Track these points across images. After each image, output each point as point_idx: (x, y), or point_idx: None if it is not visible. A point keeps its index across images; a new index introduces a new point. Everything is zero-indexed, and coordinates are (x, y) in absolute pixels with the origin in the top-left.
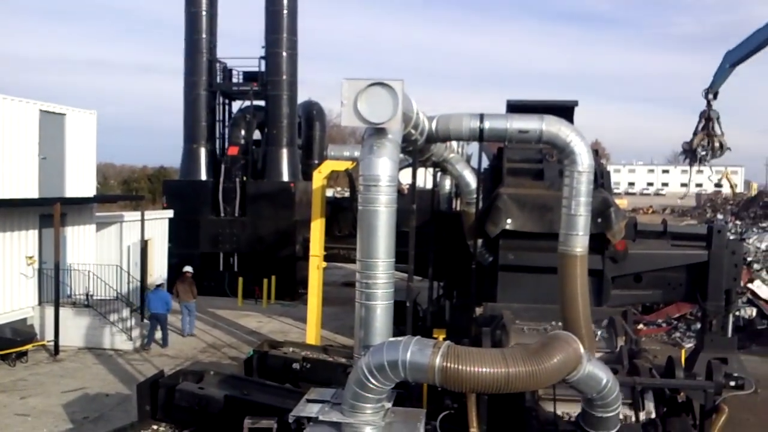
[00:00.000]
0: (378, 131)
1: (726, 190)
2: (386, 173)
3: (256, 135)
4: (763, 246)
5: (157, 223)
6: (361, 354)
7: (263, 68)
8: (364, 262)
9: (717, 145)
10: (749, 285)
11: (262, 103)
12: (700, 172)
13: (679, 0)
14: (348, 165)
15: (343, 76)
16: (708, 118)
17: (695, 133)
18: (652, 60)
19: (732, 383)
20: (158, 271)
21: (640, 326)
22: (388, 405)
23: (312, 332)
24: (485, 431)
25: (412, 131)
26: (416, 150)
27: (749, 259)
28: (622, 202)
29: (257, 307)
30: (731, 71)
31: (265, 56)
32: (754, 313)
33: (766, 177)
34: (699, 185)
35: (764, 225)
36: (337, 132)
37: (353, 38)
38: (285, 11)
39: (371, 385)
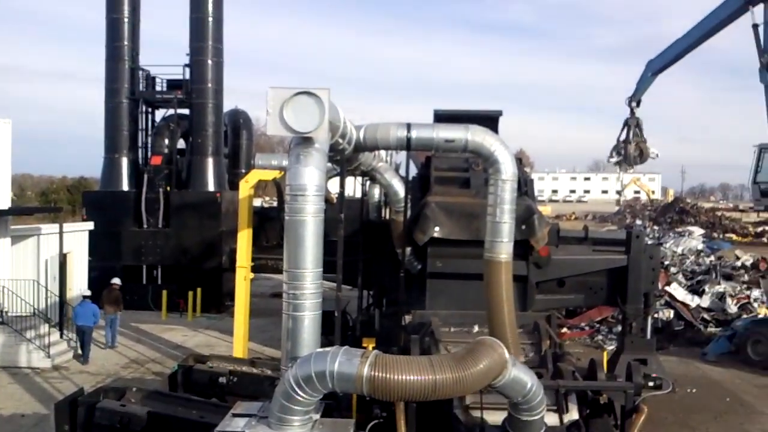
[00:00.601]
0: (304, 140)
1: (643, 196)
2: (313, 182)
3: (181, 144)
4: (679, 250)
5: (77, 236)
6: (288, 366)
7: (188, 76)
8: (292, 273)
9: (640, 151)
10: (667, 288)
11: (186, 111)
12: (621, 179)
13: (599, 12)
14: (276, 174)
15: (271, 84)
16: (631, 125)
17: (620, 140)
18: (574, 70)
19: (651, 384)
20: (78, 285)
21: (564, 330)
22: (316, 416)
23: (239, 345)
24: None
25: (340, 140)
26: (344, 159)
27: (666, 262)
28: (546, 209)
29: (182, 321)
30: (653, 79)
31: (190, 64)
32: (672, 315)
33: (681, 184)
34: (619, 192)
35: (680, 230)
36: (266, 141)
37: (281, 46)
38: (210, 18)
39: (299, 397)
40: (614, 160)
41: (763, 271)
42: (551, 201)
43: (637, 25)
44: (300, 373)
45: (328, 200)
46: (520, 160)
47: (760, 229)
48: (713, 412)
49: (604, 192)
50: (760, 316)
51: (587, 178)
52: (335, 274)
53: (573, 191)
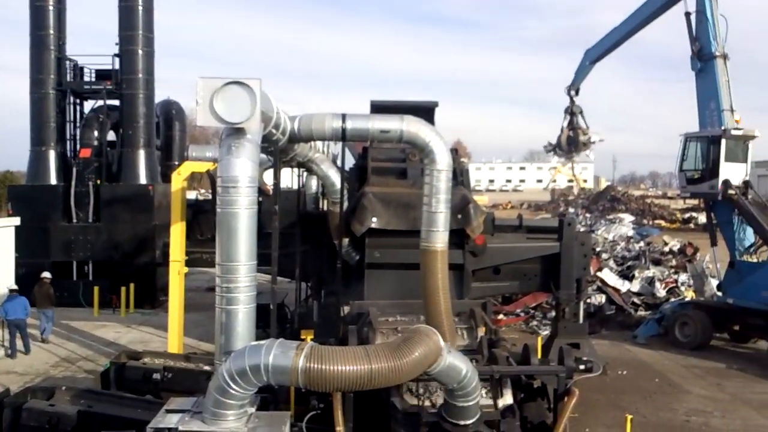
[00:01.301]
0: (236, 131)
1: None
2: (246, 174)
3: (111, 136)
4: (610, 236)
5: (2, 232)
6: (222, 360)
7: (117, 66)
8: (225, 266)
9: (583, 138)
10: (598, 273)
11: (116, 102)
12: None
13: (533, 4)
14: (210, 166)
15: (204, 74)
16: (572, 113)
17: (563, 129)
18: (509, 62)
19: (582, 367)
20: (4, 283)
21: (500, 316)
22: (252, 410)
23: (174, 341)
24: (351, 428)
25: (273, 131)
26: (277, 150)
27: (598, 249)
28: (483, 199)
29: (115, 317)
30: (591, 68)
31: (120, 54)
32: (604, 300)
33: (613, 172)
34: (554, 181)
35: (611, 217)
36: (200, 132)
37: (215, 35)
38: (140, 7)
39: (233, 391)
40: (561, 150)
41: (690, 255)
42: (488, 191)
43: (569, 16)
44: (234, 367)
45: (263, 192)
46: (456, 151)
47: (687, 215)
48: (643, 393)
49: (539, 181)
50: (687, 299)
51: (522, 168)
52: (271, 266)
53: (509, 181)
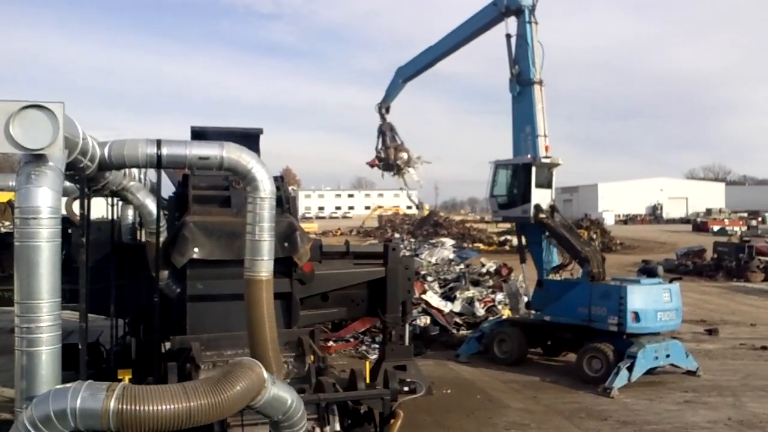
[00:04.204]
0: (36, 158)
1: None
2: (47, 204)
3: None
4: (433, 260)
5: None
6: (24, 407)
7: None
8: (24, 305)
9: (402, 156)
10: (423, 296)
11: None
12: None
13: (360, 37)
14: (12, 196)
15: (10, 96)
16: (383, 131)
17: (378, 149)
18: (338, 91)
19: (406, 389)
20: None
21: (330, 343)
22: None
23: None
24: None
25: (80, 158)
26: (83, 178)
27: (423, 272)
28: (313, 227)
29: None
30: (403, 86)
31: None
32: (429, 321)
33: (435, 198)
34: (380, 207)
35: (434, 241)
36: (4, 159)
37: (26, 59)
38: None
39: None
40: (381, 169)
41: (505, 275)
42: (318, 218)
43: (392, 48)
44: (37, 413)
45: (73, 223)
46: (282, 178)
47: (502, 238)
48: (466, 410)
49: (367, 208)
50: (504, 316)
51: (351, 195)
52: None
53: (338, 208)
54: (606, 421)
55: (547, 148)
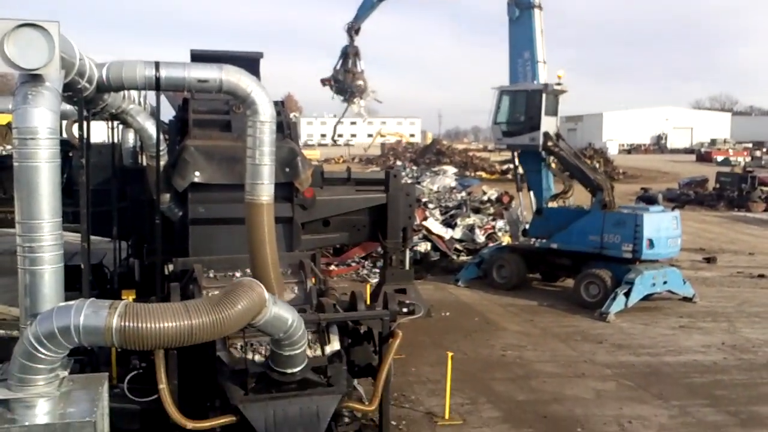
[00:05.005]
0: (33, 78)
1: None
2: (45, 125)
3: None
4: (435, 187)
5: None
6: (28, 323)
7: None
8: (26, 224)
9: (360, 84)
10: (424, 223)
11: None
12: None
13: None
14: (11, 119)
15: (3, 15)
16: (346, 54)
17: (336, 69)
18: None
19: (405, 310)
20: None
21: (332, 267)
22: (64, 373)
23: None
24: (176, 386)
25: (78, 79)
26: (81, 100)
27: (424, 199)
28: (315, 154)
29: None
30: (378, 5)
31: None
32: (429, 247)
33: (438, 127)
34: (383, 135)
35: (436, 169)
36: (4, 83)
37: None
38: None
39: (41, 355)
40: (333, 90)
41: (506, 204)
42: (320, 145)
43: None
44: (41, 329)
45: (74, 146)
46: (283, 103)
47: (505, 167)
48: (464, 332)
49: (370, 135)
50: (503, 243)
51: (353, 123)
52: (81, 224)
53: (340, 135)
54: (601, 344)
55: (560, 76)
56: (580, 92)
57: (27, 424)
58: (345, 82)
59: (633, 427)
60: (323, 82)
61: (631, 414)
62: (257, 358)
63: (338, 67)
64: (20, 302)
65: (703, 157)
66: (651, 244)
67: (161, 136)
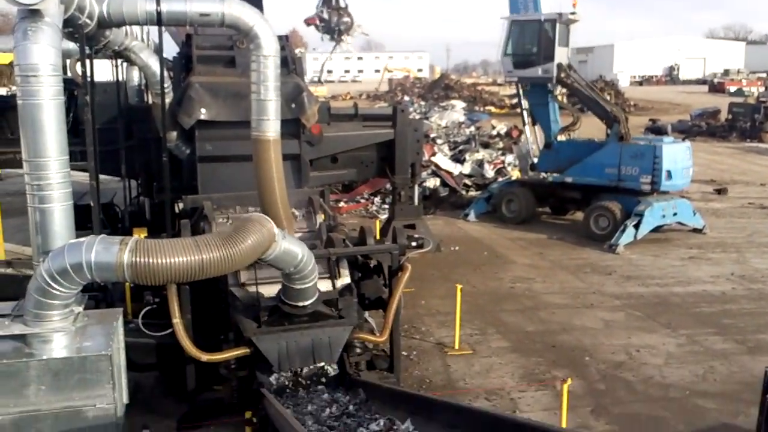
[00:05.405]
0: (32, 14)
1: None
2: (47, 61)
3: None
4: (443, 123)
5: None
6: (41, 260)
7: None
8: (33, 162)
9: (347, 20)
10: (432, 158)
11: None
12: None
13: None
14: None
15: None
16: None
17: (318, 6)
18: None
19: (414, 244)
20: None
21: (341, 204)
22: (78, 309)
23: None
24: (190, 320)
25: (78, 14)
26: (82, 36)
27: (433, 135)
28: (322, 90)
29: None
30: None
31: None
32: (438, 183)
33: (447, 61)
34: (390, 71)
35: (444, 104)
36: (4, 22)
37: None
38: None
39: (55, 291)
40: (320, 30)
41: (515, 138)
42: (327, 81)
43: None
44: (54, 266)
45: (79, 84)
46: (287, 38)
47: (514, 101)
48: (473, 266)
49: (377, 71)
50: (513, 178)
51: (360, 58)
52: (87, 161)
53: (347, 71)
54: (610, 276)
55: (574, 5)
56: (590, 23)
57: (45, 357)
58: (331, 21)
59: (641, 355)
60: (307, 22)
61: (639, 343)
62: (268, 293)
63: (320, 5)
64: (32, 240)
65: (716, 88)
66: (669, 175)
67: (165, 73)
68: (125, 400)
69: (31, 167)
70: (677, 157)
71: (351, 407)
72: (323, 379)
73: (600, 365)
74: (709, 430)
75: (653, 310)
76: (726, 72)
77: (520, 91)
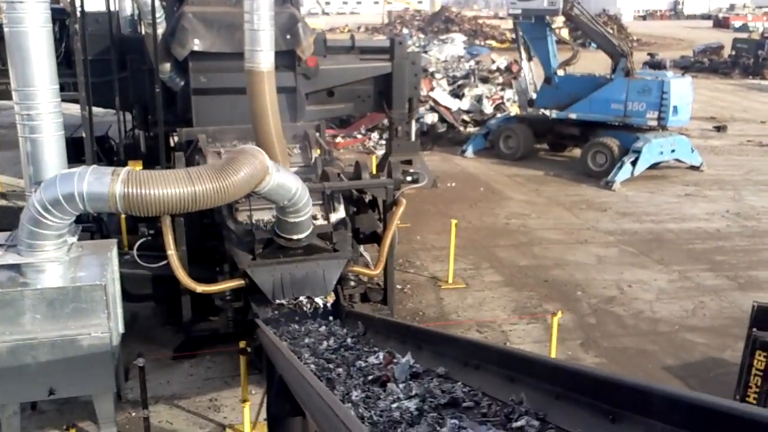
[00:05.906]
0: None
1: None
2: None
3: None
4: (442, 57)
5: None
6: (33, 190)
7: None
8: (22, 92)
9: None
10: (431, 93)
11: None
12: None
13: None
14: None
15: None
16: None
17: None
18: None
19: (409, 178)
20: None
21: (338, 139)
22: (72, 239)
23: None
24: (185, 252)
25: None
26: None
27: (431, 69)
28: (319, 23)
29: None
30: None
31: None
32: (436, 119)
33: None
34: (389, 3)
35: (444, 37)
36: None
37: None
38: None
39: (48, 222)
40: None
41: (515, 73)
42: (324, 14)
43: None
44: (46, 196)
45: (69, 14)
46: None
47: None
48: (470, 202)
49: (376, 3)
50: (511, 114)
51: None
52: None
53: (345, 3)
54: (605, 212)
55: None
56: None
57: (39, 287)
58: None
59: (632, 290)
60: None
61: (631, 278)
62: (263, 224)
63: None
64: (24, 171)
65: (721, 23)
66: (675, 111)
67: (158, 3)
68: (121, 329)
69: (20, 96)
70: (683, 92)
71: (349, 340)
72: (319, 311)
73: (591, 300)
74: (697, 364)
75: (647, 246)
76: (731, 6)
77: (516, 26)
